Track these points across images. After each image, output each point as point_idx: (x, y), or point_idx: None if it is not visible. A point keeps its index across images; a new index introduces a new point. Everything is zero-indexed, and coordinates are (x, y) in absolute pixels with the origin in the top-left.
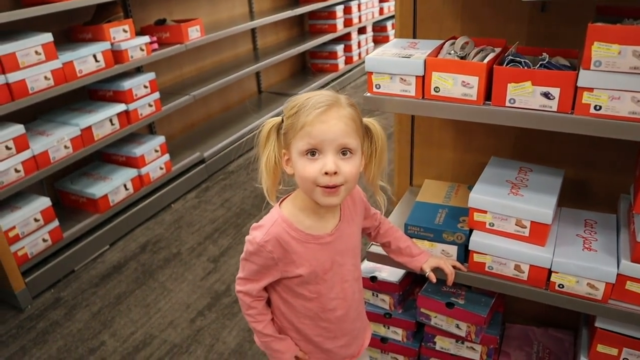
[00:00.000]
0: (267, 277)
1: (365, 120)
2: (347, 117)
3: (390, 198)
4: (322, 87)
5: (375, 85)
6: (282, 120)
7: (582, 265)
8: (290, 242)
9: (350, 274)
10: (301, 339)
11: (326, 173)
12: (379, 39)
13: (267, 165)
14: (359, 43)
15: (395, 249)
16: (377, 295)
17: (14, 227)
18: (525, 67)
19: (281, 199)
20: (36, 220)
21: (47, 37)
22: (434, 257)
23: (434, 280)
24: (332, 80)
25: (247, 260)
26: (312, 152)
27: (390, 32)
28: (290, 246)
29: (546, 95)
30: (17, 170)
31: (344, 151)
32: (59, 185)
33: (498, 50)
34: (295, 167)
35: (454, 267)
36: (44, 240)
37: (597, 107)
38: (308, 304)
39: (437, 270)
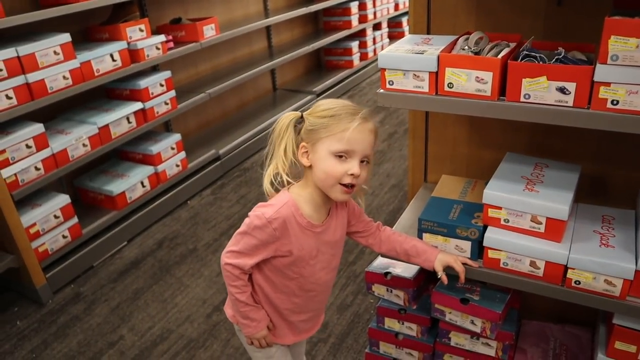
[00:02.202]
0: (262, 253)
1: None
2: (374, 131)
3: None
4: (337, 84)
5: (389, 82)
6: (302, 116)
7: (599, 261)
8: (294, 226)
9: (328, 263)
10: (270, 311)
11: (352, 174)
12: (395, 35)
13: (286, 153)
14: (374, 39)
15: (402, 252)
16: (391, 291)
17: (34, 224)
18: (541, 62)
19: (288, 187)
20: (56, 217)
21: (65, 37)
22: (445, 254)
23: (446, 282)
24: (347, 77)
25: (247, 234)
26: (344, 155)
27: (406, 27)
28: (293, 229)
29: (562, 90)
30: (37, 168)
31: (364, 160)
32: (78, 182)
33: (513, 45)
34: (321, 162)
35: (464, 264)
36: (64, 237)
37: (614, 102)
38: (288, 282)
39: (448, 268)
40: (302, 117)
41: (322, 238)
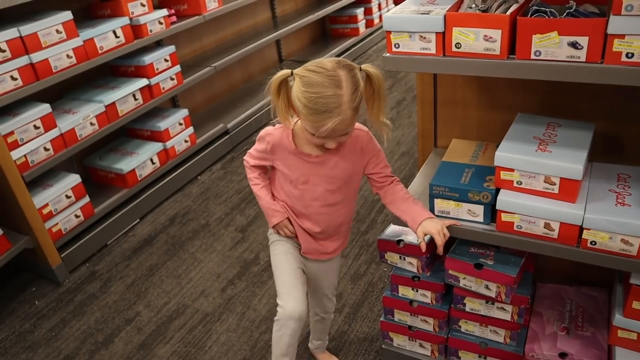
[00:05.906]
0: (262, 160)
1: (363, 67)
2: (351, 107)
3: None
4: (344, 52)
5: (395, 45)
6: (292, 74)
7: (616, 220)
8: (283, 148)
9: (321, 196)
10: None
11: (327, 148)
12: (400, 0)
13: (280, 112)
14: (379, 5)
15: (400, 208)
16: (404, 259)
17: (47, 205)
18: (551, 17)
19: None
20: (68, 197)
21: (67, 15)
22: (430, 222)
23: (424, 249)
24: (354, 45)
25: (258, 140)
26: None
27: None
28: (282, 150)
29: (574, 45)
30: (46, 149)
31: (344, 133)
32: (88, 161)
33: (521, 1)
34: (303, 126)
35: (450, 226)
36: (77, 216)
37: (629, 55)
38: (291, 192)
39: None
40: (292, 73)
41: (316, 169)
